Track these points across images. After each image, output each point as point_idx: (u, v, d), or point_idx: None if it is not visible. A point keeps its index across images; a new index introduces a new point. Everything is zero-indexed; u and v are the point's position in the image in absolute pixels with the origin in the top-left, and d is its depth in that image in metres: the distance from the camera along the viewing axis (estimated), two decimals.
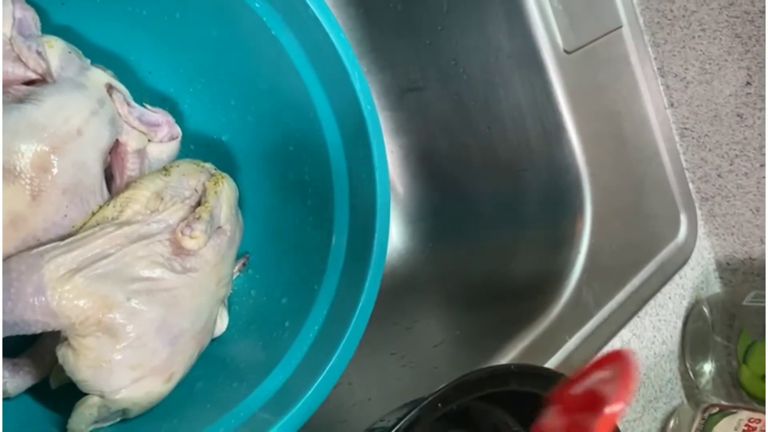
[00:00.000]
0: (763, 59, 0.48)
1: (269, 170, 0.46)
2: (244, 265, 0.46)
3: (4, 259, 0.34)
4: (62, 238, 0.36)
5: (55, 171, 0.35)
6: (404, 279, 0.54)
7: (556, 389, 0.27)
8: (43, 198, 0.35)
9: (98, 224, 0.37)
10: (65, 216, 0.36)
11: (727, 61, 0.50)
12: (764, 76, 0.48)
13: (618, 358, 0.24)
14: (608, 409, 0.23)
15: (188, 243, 0.37)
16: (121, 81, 0.44)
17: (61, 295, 0.34)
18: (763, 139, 0.51)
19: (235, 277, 0.45)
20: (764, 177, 0.52)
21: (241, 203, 0.45)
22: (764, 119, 0.50)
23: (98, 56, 0.43)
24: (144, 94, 0.46)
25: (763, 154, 0.51)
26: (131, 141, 0.40)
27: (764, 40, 0.47)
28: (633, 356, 0.24)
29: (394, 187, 0.59)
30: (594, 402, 0.24)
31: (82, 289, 0.34)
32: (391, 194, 0.48)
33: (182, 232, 0.37)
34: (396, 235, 0.58)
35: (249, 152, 0.47)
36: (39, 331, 0.34)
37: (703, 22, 0.50)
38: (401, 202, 0.59)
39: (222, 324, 0.43)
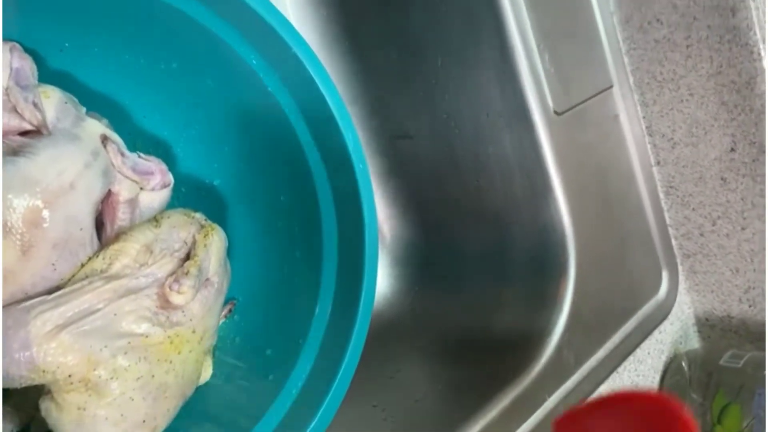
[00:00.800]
0: (748, 128, 0.49)
1: (260, 218, 0.47)
2: (230, 311, 0.46)
3: None
4: (50, 290, 0.36)
5: (46, 226, 0.35)
6: (388, 324, 0.55)
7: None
8: (33, 253, 0.35)
9: (87, 277, 0.37)
10: (54, 270, 0.36)
11: (714, 127, 0.51)
12: (748, 144, 0.49)
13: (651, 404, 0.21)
14: None
15: (176, 299, 0.38)
16: (116, 124, 0.44)
17: (47, 352, 0.34)
18: (745, 204, 0.52)
19: (220, 322, 0.46)
20: (745, 240, 0.53)
21: (230, 248, 0.45)
22: (747, 185, 0.51)
23: (94, 100, 0.43)
24: (138, 137, 0.46)
25: (745, 218, 0.52)
26: (123, 191, 0.40)
27: (749, 110, 0.48)
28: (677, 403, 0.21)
29: (380, 229, 0.60)
30: None
31: (68, 346, 0.34)
32: (378, 237, 0.48)
33: (170, 287, 0.38)
34: (381, 278, 0.58)
35: (240, 199, 0.47)
36: (23, 385, 0.34)
37: (691, 87, 0.51)
38: (387, 245, 0.59)
39: (206, 373, 0.43)
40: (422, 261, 0.57)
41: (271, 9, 0.38)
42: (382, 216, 0.59)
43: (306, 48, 0.40)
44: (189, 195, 0.48)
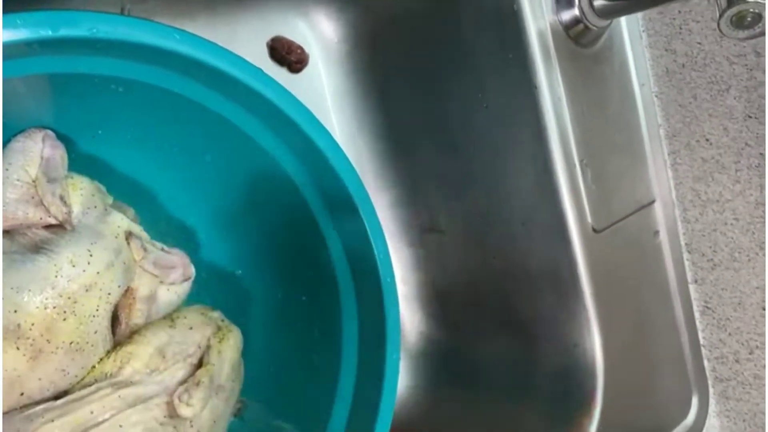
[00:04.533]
0: None
1: (279, 315, 0.45)
2: (239, 410, 0.45)
3: None
4: (57, 394, 0.35)
5: (60, 330, 0.34)
6: (402, 427, 0.53)
7: None
8: (44, 359, 0.34)
9: (96, 381, 0.36)
10: (65, 375, 0.35)
11: (758, 255, 0.49)
12: None
13: None
14: None
15: (184, 411, 0.36)
16: (142, 209, 0.44)
17: None
18: None
19: (228, 421, 0.44)
20: None
21: (245, 344, 0.43)
22: None
23: (122, 184, 0.42)
24: (162, 221, 0.45)
25: None
26: (142, 286, 0.39)
27: None
28: None
29: (402, 321, 0.58)
30: None
31: None
32: (400, 343, 0.46)
33: (179, 398, 0.36)
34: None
35: (260, 293, 0.46)
36: None
37: (737, 212, 0.49)
38: (407, 339, 0.57)
39: None
40: (442, 361, 0.55)
41: (311, 120, 0.37)
42: (405, 309, 0.57)
43: (342, 158, 0.39)
44: (209, 282, 0.46)
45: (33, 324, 0.33)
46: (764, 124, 0.46)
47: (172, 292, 0.41)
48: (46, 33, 0.29)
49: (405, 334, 0.57)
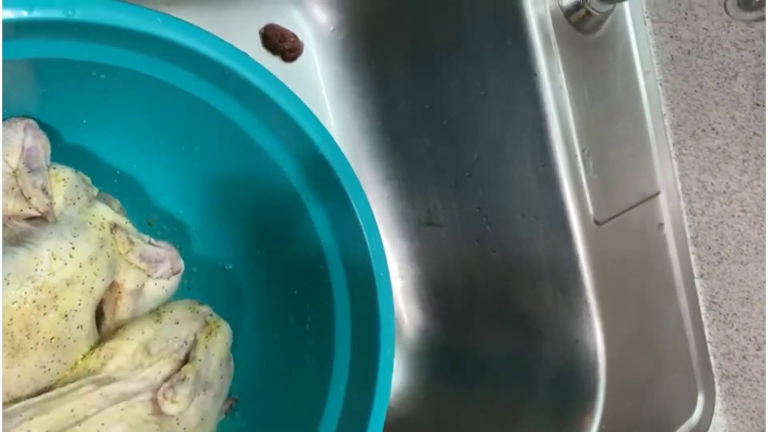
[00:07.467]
0: None
1: (270, 311, 0.44)
2: (230, 407, 0.43)
3: None
4: (38, 391, 0.34)
5: (40, 325, 0.33)
6: (398, 424, 0.51)
7: None
8: (23, 355, 0.33)
9: (78, 378, 0.35)
10: (46, 372, 0.34)
11: (766, 248, 0.47)
12: None
13: None
14: None
15: (169, 408, 0.35)
16: (130, 200, 0.42)
17: None
18: None
19: (219, 420, 0.43)
20: None
21: (235, 341, 0.42)
22: None
23: (109, 176, 0.41)
24: (152, 213, 0.44)
25: None
26: (128, 281, 0.38)
27: None
28: None
29: (399, 317, 0.56)
30: None
31: None
32: (395, 324, 0.45)
33: (164, 395, 0.35)
34: (395, 371, 0.55)
35: (251, 287, 0.45)
36: None
37: (744, 203, 0.47)
38: (405, 335, 0.56)
39: None
40: (440, 357, 0.54)
41: (302, 109, 0.36)
42: (402, 303, 0.56)
43: (335, 149, 0.37)
44: (199, 276, 0.45)
45: (11, 319, 0.32)
46: None
47: (159, 286, 0.40)
48: (20, 14, 0.28)
49: (402, 330, 0.56)
